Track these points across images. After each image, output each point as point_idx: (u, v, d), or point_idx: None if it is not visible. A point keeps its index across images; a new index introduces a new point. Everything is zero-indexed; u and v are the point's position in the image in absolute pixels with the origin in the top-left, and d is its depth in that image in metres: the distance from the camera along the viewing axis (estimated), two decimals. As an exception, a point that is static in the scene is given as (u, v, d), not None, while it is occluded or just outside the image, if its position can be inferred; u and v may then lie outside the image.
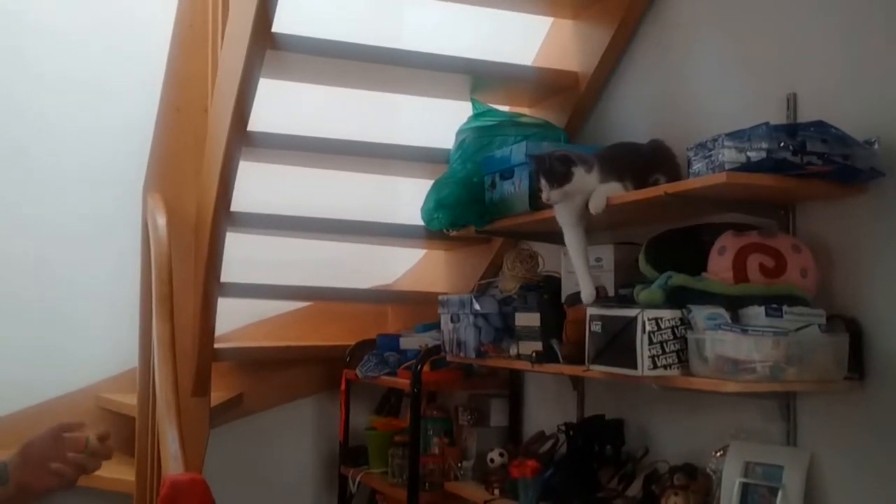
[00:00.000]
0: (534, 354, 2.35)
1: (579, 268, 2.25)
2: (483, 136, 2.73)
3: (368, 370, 3.16)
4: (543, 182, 2.22)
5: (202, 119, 3.09)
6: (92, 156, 3.60)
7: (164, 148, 3.20)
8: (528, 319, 2.44)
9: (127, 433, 3.16)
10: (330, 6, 3.78)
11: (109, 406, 3.43)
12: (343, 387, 3.40)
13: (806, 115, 1.98)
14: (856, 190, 1.87)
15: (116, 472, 3.08)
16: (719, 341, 1.80)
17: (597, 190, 2.16)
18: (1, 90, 3.51)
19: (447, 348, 2.79)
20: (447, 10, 2.93)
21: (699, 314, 1.88)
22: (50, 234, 3.55)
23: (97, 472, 3.10)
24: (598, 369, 2.05)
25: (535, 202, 2.42)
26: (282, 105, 3.00)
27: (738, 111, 2.15)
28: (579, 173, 2.17)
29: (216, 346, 3.12)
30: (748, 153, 1.81)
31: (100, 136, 3.60)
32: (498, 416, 3.04)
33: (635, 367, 1.90)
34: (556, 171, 2.19)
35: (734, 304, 1.89)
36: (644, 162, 2.20)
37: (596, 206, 2.13)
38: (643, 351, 1.89)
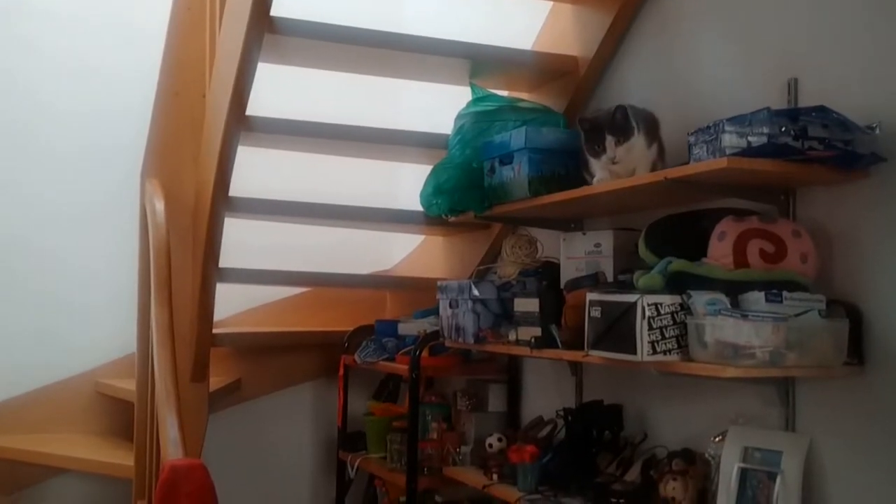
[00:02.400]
0: (533, 340, 2.35)
1: None
2: (482, 121, 2.73)
3: (367, 356, 3.16)
4: (609, 139, 2.14)
5: (200, 104, 3.08)
6: (91, 139, 3.59)
7: (163, 133, 3.19)
8: (526, 305, 2.44)
9: (126, 419, 3.16)
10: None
11: (108, 391, 3.43)
12: (341, 372, 3.40)
13: (807, 99, 1.98)
14: (857, 175, 1.87)
15: (116, 458, 3.09)
16: (719, 327, 1.80)
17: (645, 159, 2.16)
18: (0, 73, 3.50)
19: (446, 334, 2.79)
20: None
21: (699, 300, 1.88)
22: (48, 218, 3.54)
23: (96, 458, 3.15)
24: (597, 355, 2.04)
25: (535, 188, 2.42)
26: (280, 89, 2.99)
27: (738, 96, 2.15)
28: (636, 131, 2.14)
29: (214, 331, 3.12)
30: (749, 138, 1.80)
31: (98, 119, 3.59)
32: (496, 401, 3.04)
33: (635, 353, 1.90)
34: (621, 125, 2.13)
35: (734, 290, 1.89)
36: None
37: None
38: (643, 336, 1.89)
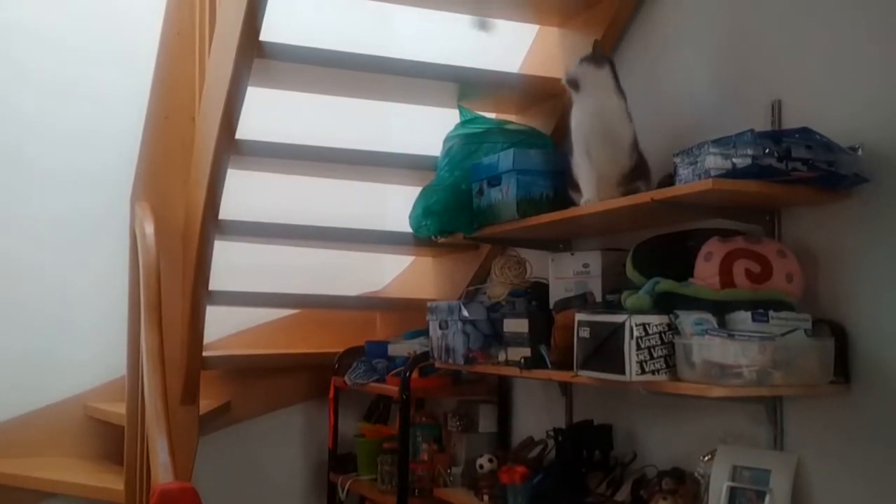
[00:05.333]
0: (522, 360, 2.36)
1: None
2: (470, 143, 2.74)
3: (357, 377, 3.16)
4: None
5: (190, 127, 3.09)
6: (81, 159, 3.60)
7: (153, 156, 3.20)
8: (516, 325, 2.45)
9: (116, 442, 3.15)
10: (318, 14, 3.79)
11: (98, 415, 3.42)
12: (332, 394, 3.40)
13: (790, 121, 2.00)
14: (840, 196, 1.89)
15: (106, 482, 3.08)
16: (706, 346, 1.82)
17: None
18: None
19: (436, 355, 2.79)
20: (435, 17, 2.94)
21: (686, 319, 1.89)
22: (37, 239, 3.54)
23: (86, 482, 3.13)
24: (586, 375, 2.05)
25: (523, 209, 2.44)
26: (270, 113, 3.00)
27: (723, 118, 2.17)
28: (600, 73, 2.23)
29: (204, 354, 3.11)
30: (734, 160, 1.82)
31: (89, 141, 3.61)
32: (487, 422, 3.04)
33: (623, 373, 1.91)
34: (599, 57, 2.25)
35: (721, 310, 1.90)
36: None
37: None
38: (631, 356, 1.90)
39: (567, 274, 2.49)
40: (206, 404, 3.23)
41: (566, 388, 2.72)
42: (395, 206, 3.27)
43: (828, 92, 1.97)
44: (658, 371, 1.91)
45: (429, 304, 2.83)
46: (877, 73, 1.87)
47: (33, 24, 3.58)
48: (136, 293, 2.98)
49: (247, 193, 3.01)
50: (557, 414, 2.75)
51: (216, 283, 2.95)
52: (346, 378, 3.21)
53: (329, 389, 3.41)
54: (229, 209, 2.81)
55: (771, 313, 1.85)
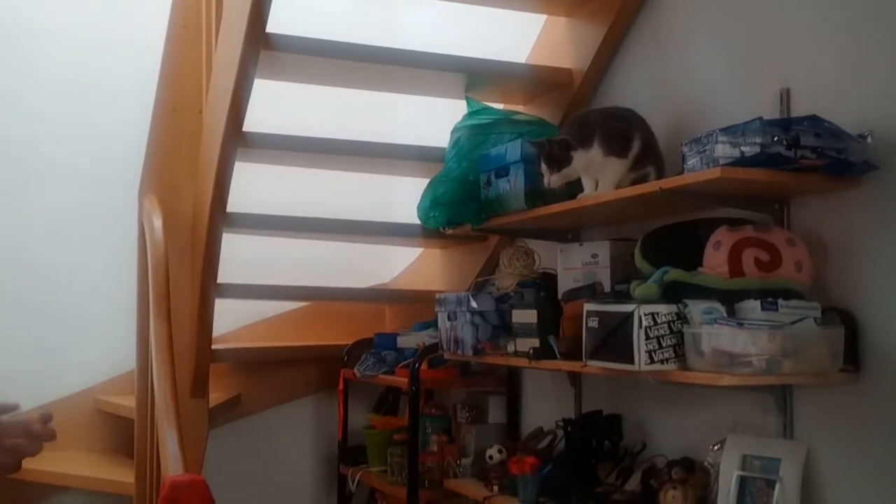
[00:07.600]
0: (531, 351, 2.36)
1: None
2: (478, 133, 2.74)
3: (366, 369, 3.17)
4: (544, 167, 2.28)
5: (197, 120, 3.09)
6: (89, 153, 3.60)
7: (160, 149, 3.20)
8: (524, 316, 2.45)
9: (126, 435, 3.16)
10: (325, 6, 3.79)
11: (108, 408, 3.43)
12: (341, 386, 3.41)
13: (799, 109, 1.99)
14: (849, 183, 1.88)
15: (116, 475, 3.09)
16: (715, 335, 1.81)
17: (602, 178, 2.23)
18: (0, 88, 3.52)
19: (444, 346, 2.80)
20: (441, 8, 2.94)
21: (695, 309, 1.89)
22: (46, 233, 3.54)
23: (97, 475, 3.14)
24: (595, 365, 2.05)
25: (531, 200, 2.43)
26: (277, 105, 3.00)
27: (731, 106, 2.16)
28: (579, 156, 2.23)
29: (214, 347, 3.12)
30: (742, 148, 1.81)
31: (96, 135, 3.60)
32: (496, 413, 3.05)
33: (632, 362, 1.91)
34: (556, 155, 2.25)
35: (730, 299, 1.90)
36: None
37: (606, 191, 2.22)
38: (640, 346, 1.90)
39: (575, 264, 2.48)
40: (215, 397, 3.24)
41: (575, 379, 2.72)
42: (402, 197, 3.27)
43: (837, 79, 1.96)
44: (667, 360, 1.91)
45: (437, 295, 2.83)
46: (886, 60, 1.86)
47: (40, 18, 3.58)
48: (144, 286, 2.98)
49: (255, 186, 3.01)
50: (566, 404, 2.75)
51: (225, 275, 2.96)
52: (355, 370, 3.22)
53: (338, 382, 3.41)
54: (237, 202, 2.81)
55: (780, 302, 1.84)
